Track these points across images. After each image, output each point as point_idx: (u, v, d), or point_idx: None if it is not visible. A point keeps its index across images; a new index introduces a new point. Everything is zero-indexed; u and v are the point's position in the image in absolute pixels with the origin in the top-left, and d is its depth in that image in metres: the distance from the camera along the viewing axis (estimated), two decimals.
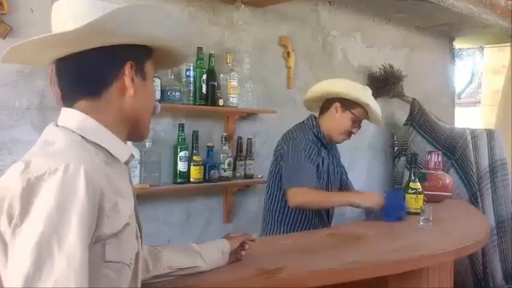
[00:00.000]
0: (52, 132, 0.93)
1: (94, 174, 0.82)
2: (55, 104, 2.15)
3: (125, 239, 0.88)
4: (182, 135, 2.56)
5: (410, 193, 2.30)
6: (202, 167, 2.60)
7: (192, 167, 2.57)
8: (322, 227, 2.24)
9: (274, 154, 2.25)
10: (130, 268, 0.92)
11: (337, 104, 2.23)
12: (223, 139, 2.74)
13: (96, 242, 0.82)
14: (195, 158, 2.58)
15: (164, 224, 2.59)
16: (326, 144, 2.27)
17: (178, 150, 2.54)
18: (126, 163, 1.01)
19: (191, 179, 2.57)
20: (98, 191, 0.81)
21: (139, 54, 1.00)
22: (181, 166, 2.55)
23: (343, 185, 2.44)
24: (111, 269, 0.85)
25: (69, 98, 0.97)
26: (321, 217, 2.25)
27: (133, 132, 1.02)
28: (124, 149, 0.99)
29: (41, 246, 0.74)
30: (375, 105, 2.26)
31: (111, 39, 0.94)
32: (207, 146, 2.68)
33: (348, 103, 2.22)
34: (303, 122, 2.29)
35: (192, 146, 2.59)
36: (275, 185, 2.21)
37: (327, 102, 2.28)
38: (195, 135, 2.60)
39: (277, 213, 2.21)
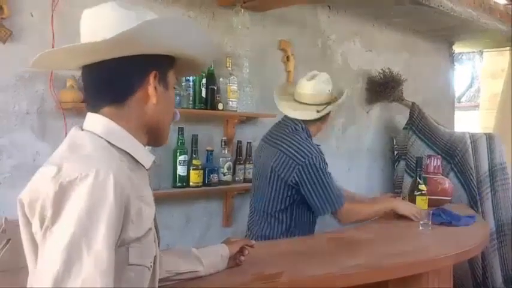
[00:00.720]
0: (79, 136, 0.94)
1: (122, 181, 0.84)
2: (55, 108, 2.16)
3: (146, 243, 0.92)
4: (181, 139, 2.55)
5: (419, 195, 2.38)
6: (201, 171, 2.60)
7: (191, 171, 2.57)
8: None
9: (272, 170, 2.04)
10: (150, 270, 0.94)
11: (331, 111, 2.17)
12: (223, 143, 2.74)
13: (121, 245, 0.85)
14: (194, 162, 2.58)
15: (164, 228, 2.58)
16: None
17: (178, 154, 2.54)
18: (148, 169, 1.03)
19: (190, 183, 2.57)
20: (125, 197, 0.84)
21: (163, 64, 1.02)
22: (181, 170, 2.55)
23: None
24: (133, 272, 0.88)
25: (93, 105, 0.99)
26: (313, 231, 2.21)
27: (153, 138, 1.05)
28: (148, 156, 1.02)
29: (71, 248, 0.77)
30: None
31: (140, 49, 0.97)
32: (207, 150, 2.68)
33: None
34: (294, 128, 2.10)
35: (192, 150, 2.59)
36: (278, 205, 2.06)
37: (324, 108, 2.15)
38: (195, 139, 2.60)
39: (281, 236, 2.08)
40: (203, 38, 1.07)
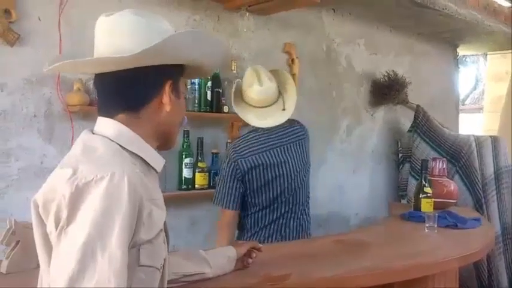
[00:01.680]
0: (92, 139, 0.96)
1: (135, 183, 0.86)
2: (62, 111, 2.18)
3: (157, 244, 0.93)
4: (187, 142, 2.56)
5: (425, 197, 2.38)
6: (207, 174, 2.61)
7: (197, 174, 2.58)
8: None
9: (307, 162, 2.20)
10: (160, 272, 0.95)
11: None
12: (228, 145, 2.75)
13: (133, 246, 0.86)
14: (199, 164, 2.59)
15: (169, 230, 2.59)
16: None
17: (183, 156, 2.55)
18: (158, 172, 1.04)
19: (196, 186, 2.58)
20: (138, 199, 0.86)
21: (176, 73, 1.04)
22: (186, 173, 2.56)
23: None
24: (144, 273, 0.90)
25: (107, 111, 1.00)
26: None
27: (163, 143, 1.07)
28: (159, 159, 1.03)
29: (86, 247, 0.79)
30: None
31: (161, 61, 0.98)
32: (212, 153, 2.69)
33: None
34: (289, 121, 2.21)
35: (197, 153, 2.60)
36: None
37: None
38: (200, 142, 2.61)
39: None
40: (219, 49, 1.10)
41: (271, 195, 2.11)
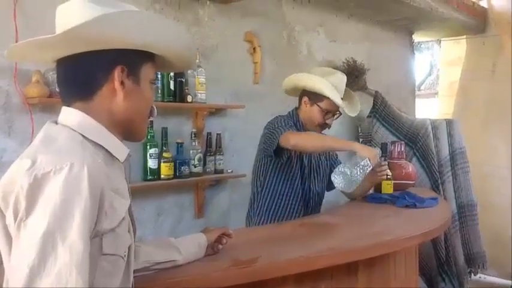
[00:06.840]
0: (53, 130, 0.95)
1: (96, 174, 0.85)
2: (20, 104, 2.12)
3: (120, 233, 0.93)
4: (151, 132, 2.55)
5: (385, 179, 2.46)
6: (172, 164, 2.60)
7: (162, 164, 2.57)
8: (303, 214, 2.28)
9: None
10: (124, 260, 0.96)
11: (305, 98, 2.30)
12: (193, 135, 2.75)
13: (95, 236, 0.86)
14: (165, 154, 2.58)
15: (135, 221, 2.58)
16: None
17: (148, 147, 2.54)
18: (123, 162, 1.04)
19: (162, 176, 2.57)
20: (99, 190, 0.85)
21: (133, 58, 1.01)
22: (152, 163, 2.55)
23: None
24: (107, 261, 0.89)
25: (64, 100, 1.00)
26: (306, 205, 2.30)
27: (128, 134, 1.04)
28: (122, 149, 1.02)
29: (46, 239, 0.78)
30: (336, 96, 2.24)
31: (97, 44, 0.95)
32: (177, 143, 2.68)
33: (314, 96, 2.27)
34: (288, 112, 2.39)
35: (162, 143, 2.59)
36: (258, 181, 2.30)
37: (300, 95, 2.35)
38: (165, 132, 2.60)
39: (264, 209, 2.28)
40: (172, 31, 1.05)
41: None
